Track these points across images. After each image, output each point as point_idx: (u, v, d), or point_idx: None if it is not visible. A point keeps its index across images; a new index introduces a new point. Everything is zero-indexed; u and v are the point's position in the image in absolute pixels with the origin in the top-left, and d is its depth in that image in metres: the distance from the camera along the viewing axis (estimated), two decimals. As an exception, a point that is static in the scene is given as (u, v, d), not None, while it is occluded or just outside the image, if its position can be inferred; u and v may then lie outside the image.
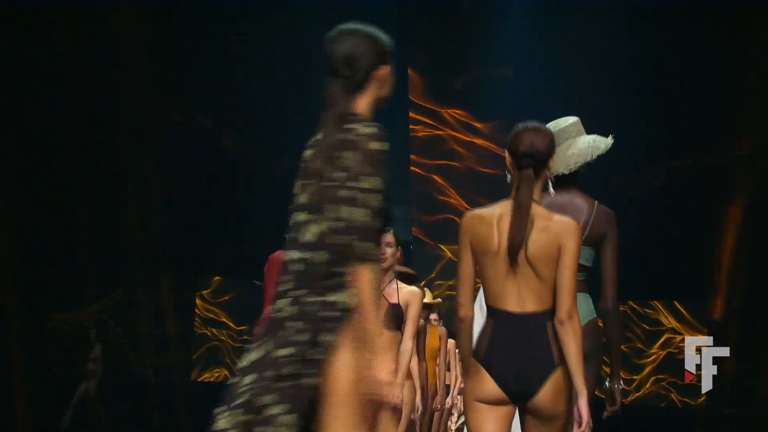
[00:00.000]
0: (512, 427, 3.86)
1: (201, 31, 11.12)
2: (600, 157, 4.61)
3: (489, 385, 3.73)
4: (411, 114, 12.01)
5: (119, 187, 11.18)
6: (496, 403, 3.75)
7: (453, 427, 10.28)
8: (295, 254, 3.26)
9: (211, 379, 11.55)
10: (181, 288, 11.51)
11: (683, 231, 11.04)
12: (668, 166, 11.25)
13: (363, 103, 3.32)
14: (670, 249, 11.08)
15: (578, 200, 4.44)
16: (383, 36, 3.39)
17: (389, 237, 6.16)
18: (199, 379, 11.57)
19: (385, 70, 3.34)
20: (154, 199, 11.17)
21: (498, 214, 3.76)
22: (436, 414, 9.37)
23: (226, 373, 11.48)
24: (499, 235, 3.71)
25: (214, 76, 11.21)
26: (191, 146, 11.36)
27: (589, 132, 4.66)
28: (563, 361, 3.67)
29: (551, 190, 3.91)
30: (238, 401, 3.17)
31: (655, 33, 10.90)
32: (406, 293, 6.32)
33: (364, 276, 3.20)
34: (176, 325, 11.45)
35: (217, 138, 11.48)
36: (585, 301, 4.30)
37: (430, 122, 12.06)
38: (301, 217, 3.28)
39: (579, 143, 4.52)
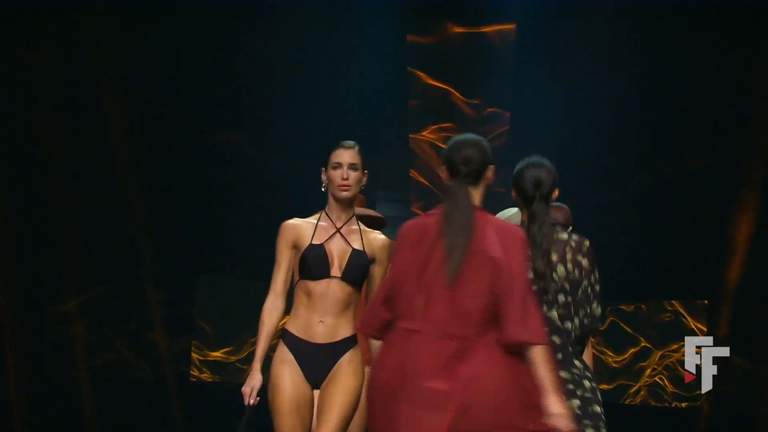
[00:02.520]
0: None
1: (197, 29, 11.00)
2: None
3: None
4: (410, 103, 11.85)
5: (113, 186, 11.07)
6: None
7: None
8: (556, 339, 4.22)
9: (208, 380, 11.48)
10: (179, 287, 11.45)
11: (689, 229, 10.94)
12: (675, 161, 11.12)
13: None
14: (676, 247, 10.97)
15: None
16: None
17: (349, 154, 4.65)
18: (198, 379, 11.49)
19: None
20: (152, 197, 11.08)
21: None
22: None
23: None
24: None
25: (207, 73, 11.10)
26: (186, 146, 11.28)
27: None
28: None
29: None
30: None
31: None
32: (372, 240, 4.74)
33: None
34: (172, 324, 11.37)
35: (214, 136, 11.38)
36: None
37: (430, 106, 11.88)
38: (559, 311, 4.23)
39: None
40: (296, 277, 4.73)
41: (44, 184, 10.99)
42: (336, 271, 4.68)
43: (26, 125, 10.92)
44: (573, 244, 4.31)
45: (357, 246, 4.67)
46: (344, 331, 4.70)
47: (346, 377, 4.64)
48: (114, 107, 10.97)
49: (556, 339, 4.22)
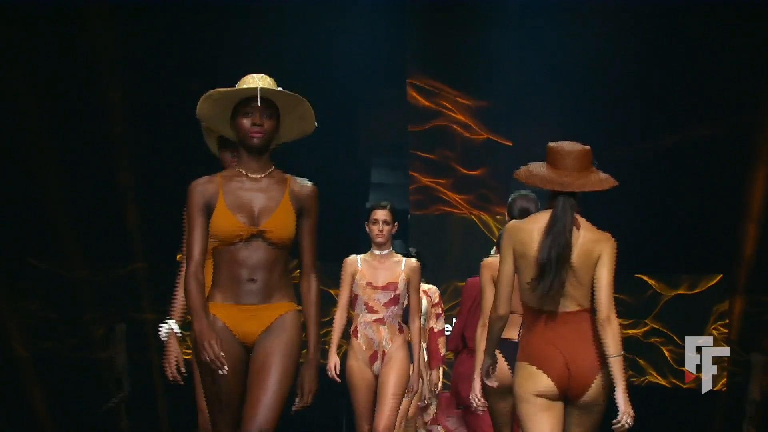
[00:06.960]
0: None
1: (187, 18, 10.80)
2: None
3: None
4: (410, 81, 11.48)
5: (102, 164, 10.97)
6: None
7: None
8: None
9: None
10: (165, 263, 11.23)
11: (700, 205, 10.58)
12: (684, 134, 10.74)
13: None
14: (685, 223, 10.73)
15: None
16: None
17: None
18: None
19: None
20: (137, 186, 11.04)
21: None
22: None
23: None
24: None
25: (199, 62, 10.80)
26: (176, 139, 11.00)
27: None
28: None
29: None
30: None
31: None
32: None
33: None
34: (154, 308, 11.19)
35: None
36: None
37: (430, 86, 11.52)
38: None
39: None
40: None
41: (33, 165, 10.86)
42: None
43: (17, 109, 10.77)
44: None
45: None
46: None
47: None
48: (109, 90, 10.86)
49: None
